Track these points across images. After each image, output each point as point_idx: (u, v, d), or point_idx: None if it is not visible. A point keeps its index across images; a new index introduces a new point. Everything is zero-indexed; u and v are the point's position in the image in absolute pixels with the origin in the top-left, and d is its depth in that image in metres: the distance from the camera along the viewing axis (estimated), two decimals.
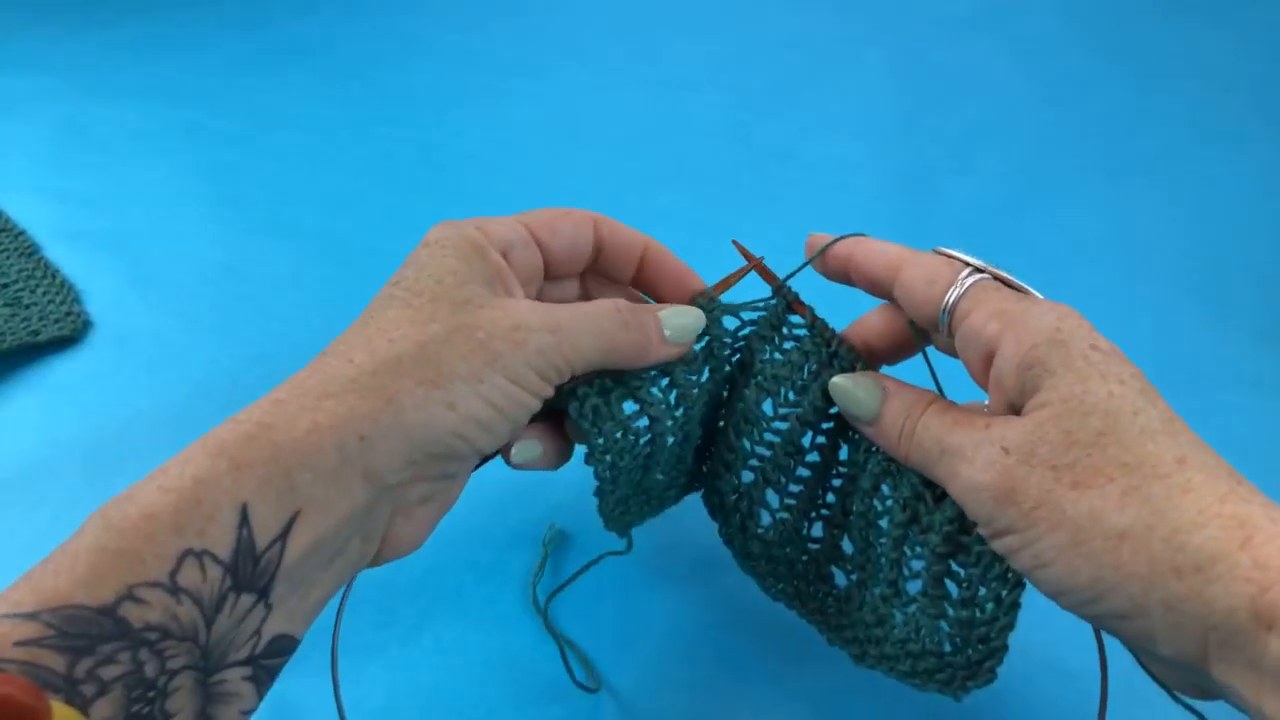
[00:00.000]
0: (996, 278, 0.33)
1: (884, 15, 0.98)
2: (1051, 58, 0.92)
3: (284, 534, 0.26)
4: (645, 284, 0.39)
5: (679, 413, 0.36)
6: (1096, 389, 0.28)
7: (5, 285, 0.60)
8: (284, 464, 0.26)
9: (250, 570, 0.26)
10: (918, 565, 0.34)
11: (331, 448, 0.27)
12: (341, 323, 0.64)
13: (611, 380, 0.35)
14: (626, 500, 0.39)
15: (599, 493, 0.36)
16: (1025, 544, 0.28)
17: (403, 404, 0.28)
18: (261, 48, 0.88)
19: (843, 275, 0.37)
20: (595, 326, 0.32)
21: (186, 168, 0.73)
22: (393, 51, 0.89)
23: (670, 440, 0.37)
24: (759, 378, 0.37)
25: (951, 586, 0.33)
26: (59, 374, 0.56)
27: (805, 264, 0.38)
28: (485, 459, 0.34)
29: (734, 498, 0.39)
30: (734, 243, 0.39)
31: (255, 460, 0.26)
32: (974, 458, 0.30)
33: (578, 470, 0.37)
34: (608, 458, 0.34)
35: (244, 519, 0.25)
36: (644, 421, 0.35)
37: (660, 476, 0.39)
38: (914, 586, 0.34)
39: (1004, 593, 0.31)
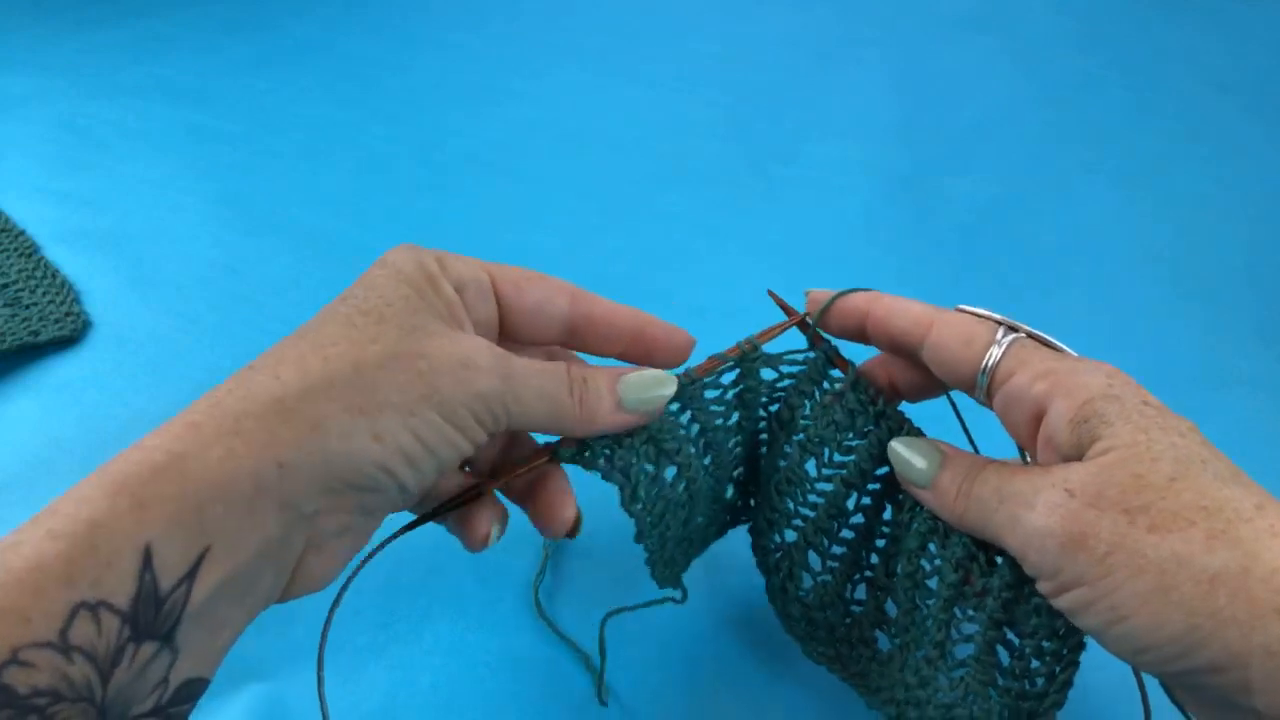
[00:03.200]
0: (1030, 336, 0.32)
1: (883, 15, 0.98)
2: (1051, 58, 0.92)
3: (191, 573, 0.24)
4: (637, 358, 0.36)
5: (707, 460, 0.36)
6: (1159, 438, 0.27)
7: (5, 285, 0.60)
8: (194, 498, 0.24)
9: (152, 616, 0.23)
10: (969, 629, 0.33)
11: (247, 476, 0.25)
12: None
13: (652, 448, 0.34)
14: (673, 556, 0.38)
15: (650, 562, 0.36)
16: (1099, 595, 0.26)
17: (328, 430, 0.26)
18: (261, 48, 0.88)
19: (856, 332, 0.36)
20: (543, 387, 0.30)
21: (186, 168, 0.73)
22: (393, 51, 0.89)
23: (708, 484, 0.36)
24: (802, 436, 0.36)
25: (1003, 654, 0.32)
26: (59, 374, 0.56)
27: (820, 311, 0.36)
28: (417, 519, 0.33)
29: (776, 556, 0.38)
30: (770, 294, 0.38)
31: (162, 495, 0.24)
32: (1034, 502, 0.28)
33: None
34: (649, 518, 0.34)
35: (146, 562, 0.23)
36: (672, 470, 0.35)
37: (700, 519, 0.38)
38: (962, 650, 0.33)
39: (1057, 669, 0.30)
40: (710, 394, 0.36)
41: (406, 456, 0.28)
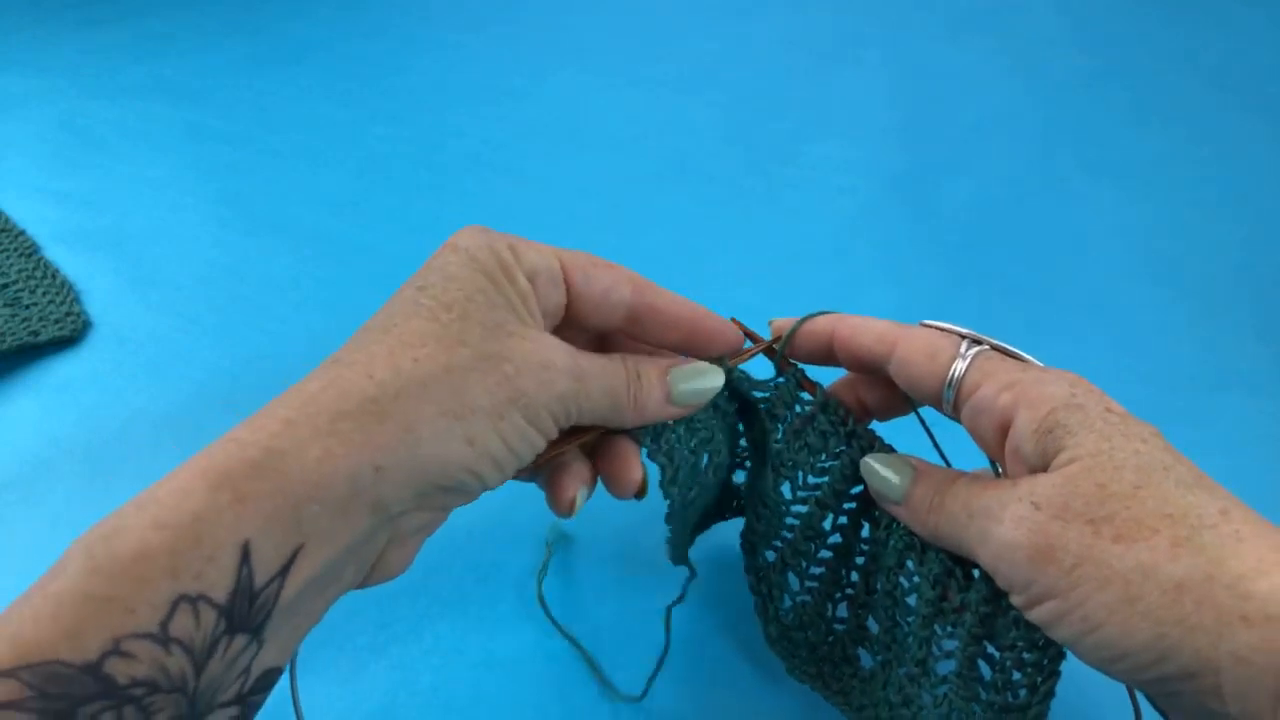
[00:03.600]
0: (995, 348, 0.32)
1: (883, 15, 0.98)
2: (1050, 58, 0.92)
3: (284, 570, 0.25)
4: (694, 350, 0.36)
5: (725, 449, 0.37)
6: (1122, 446, 0.27)
7: (5, 285, 0.60)
8: (292, 496, 0.25)
9: (246, 611, 0.24)
10: (950, 645, 0.33)
11: (344, 478, 0.25)
12: (341, 323, 0.64)
13: (687, 432, 0.34)
14: (686, 537, 0.39)
15: (671, 543, 0.36)
16: (1070, 607, 0.27)
17: (421, 435, 0.26)
18: (261, 48, 0.88)
19: (823, 355, 0.36)
20: (608, 383, 0.31)
21: (186, 168, 0.73)
22: (393, 52, 0.89)
23: (724, 460, 0.37)
24: (775, 460, 0.36)
25: (984, 668, 0.32)
26: (59, 374, 0.56)
27: (786, 338, 0.36)
28: None
29: (754, 577, 0.39)
30: (734, 321, 0.37)
31: (261, 493, 0.24)
32: (1002, 516, 0.28)
33: None
34: (681, 501, 0.34)
35: (245, 557, 0.24)
36: (705, 457, 0.35)
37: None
38: (944, 666, 0.33)
39: (1039, 680, 0.30)
40: None
41: (494, 459, 0.28)
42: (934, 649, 0.33)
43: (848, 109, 0.84)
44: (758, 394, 0.37)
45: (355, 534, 0.26)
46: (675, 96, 0.84)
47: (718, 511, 0.42)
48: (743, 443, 0.39)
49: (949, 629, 0.33)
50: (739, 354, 0.37)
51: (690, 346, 0.35)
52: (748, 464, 0.40)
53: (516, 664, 0.43)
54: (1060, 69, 0.90)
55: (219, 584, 0.23)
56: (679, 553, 0.38)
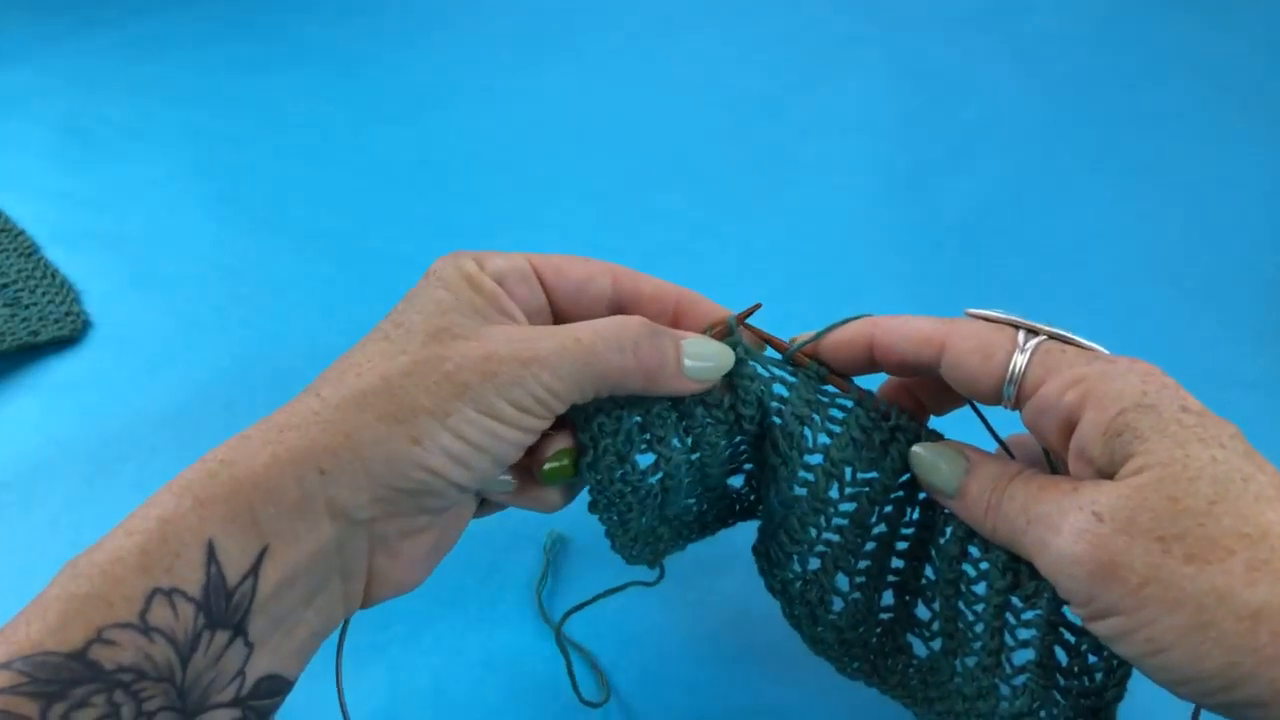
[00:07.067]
0: (1053, 337, 0.30)
1: (884, 14, 0.98)
2: (1051, 57, 0.92)
3: (254, 569, 0.26)
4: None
5: (695, 456, 0.34)
6: (1198, 454, 0.26)
7: (5, 285, 0.60)
8: (246, 498, 0.26)
9: (224, 607, 0.25)
10: (1025, 634, 0.31)
11: (292, 481, 0.26)
12: (340, 323, 0.64)
13: (637, 428, 0.32)
14: (654, 529, 0.37)
15: (609, 534, 0.35)
16: (1135, 627, 0.25)
17: (361, 439, 0.27)
18: (261, 48, 0.88)
19: (865, 363, 0.34)
20: (586, 354, 0.29)
21: (186, 168, 0.73)
22: (393, 51, 0.89)
23: (687, 480, 0.35)
24: (821, 459, 0.34)
25: (1060, 654, 0.31)
26: (59, 374, 0.56)
27: (805, 342, 0.35)
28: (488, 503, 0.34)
29: (799, 585, 0.36)
30: (748, 326, 0.36)
31: (218, 496, 0.26)
32: (1061, 525, 0.27)
33: None
34: (613, 513, 0.33)
35: (211, 555, 0.25)
36: (658, 476, 0.33)
37: (691, 501, 0.37)
38: (1019, 656, 0.32)
39: (1115, 662, 0.29)
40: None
41: (451, 456, 0.28)
42: (1008, 638, 0.32)
43: (848, 109, 0.84)
44: (777, 390, 0.35)
45: (321, 539, 0.27)
46: (675, 96, 0.84)
47: (715, 514, 0.40)
48: (743, 446, 0.37)
49: (1023, 616, 0.31)
50: (740, 316, 0.35)
51: (684, 327, 0.35)
52: (749, 468, 0.38)
53: (516, 664, 0.43)
54: (1062, 68, 0.90)
55: (190, 579, 0.25)
56: (628, 550, 0.36)
